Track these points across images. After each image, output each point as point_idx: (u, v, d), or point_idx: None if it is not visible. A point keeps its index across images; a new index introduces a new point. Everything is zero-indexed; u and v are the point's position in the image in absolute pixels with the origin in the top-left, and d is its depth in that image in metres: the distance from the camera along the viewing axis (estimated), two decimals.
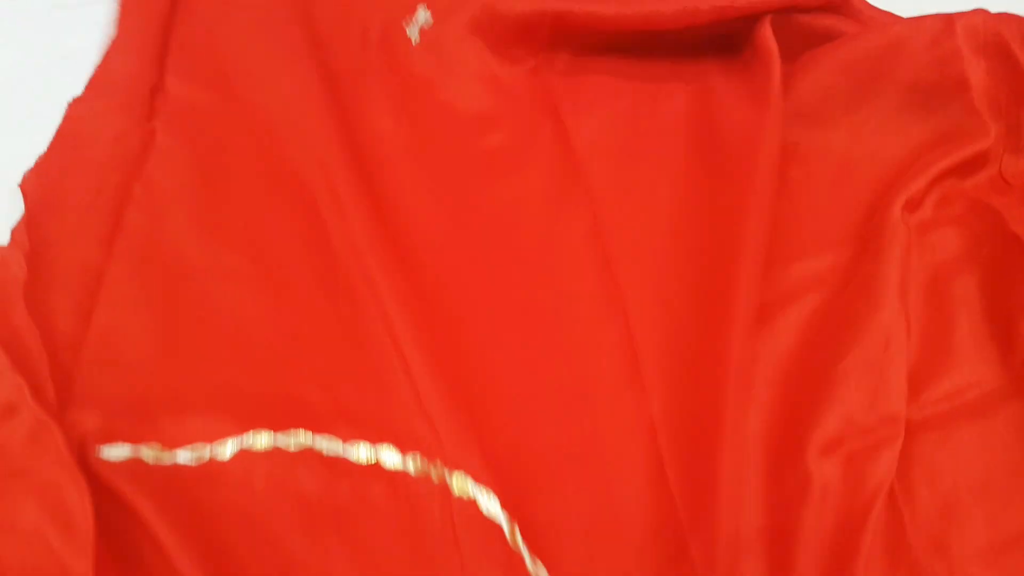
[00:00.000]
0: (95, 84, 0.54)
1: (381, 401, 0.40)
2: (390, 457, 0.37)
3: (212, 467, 0.36)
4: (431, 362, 0.41)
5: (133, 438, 0.36)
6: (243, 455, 0.36)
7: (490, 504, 0.36)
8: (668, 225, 0.49)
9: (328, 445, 0.37)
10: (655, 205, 0.50)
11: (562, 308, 0.45)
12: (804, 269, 0.45)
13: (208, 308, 0.42)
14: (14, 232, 0.45)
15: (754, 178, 0.46)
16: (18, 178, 0.48)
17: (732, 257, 0.44)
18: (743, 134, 0.50)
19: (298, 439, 0.37)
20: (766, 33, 0.52)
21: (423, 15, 0.61)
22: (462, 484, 0.37)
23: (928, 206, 0.48)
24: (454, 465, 0.37)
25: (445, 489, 0.37)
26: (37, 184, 0.46)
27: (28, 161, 0.50)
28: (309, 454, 0.37)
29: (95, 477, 0.34)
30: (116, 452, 0.35)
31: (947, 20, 0.50)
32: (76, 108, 0.51)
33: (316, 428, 0.37)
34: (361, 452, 0.37)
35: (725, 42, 0.58)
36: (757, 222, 0.44)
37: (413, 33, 0.60)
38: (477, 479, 0.37)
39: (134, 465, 0.35)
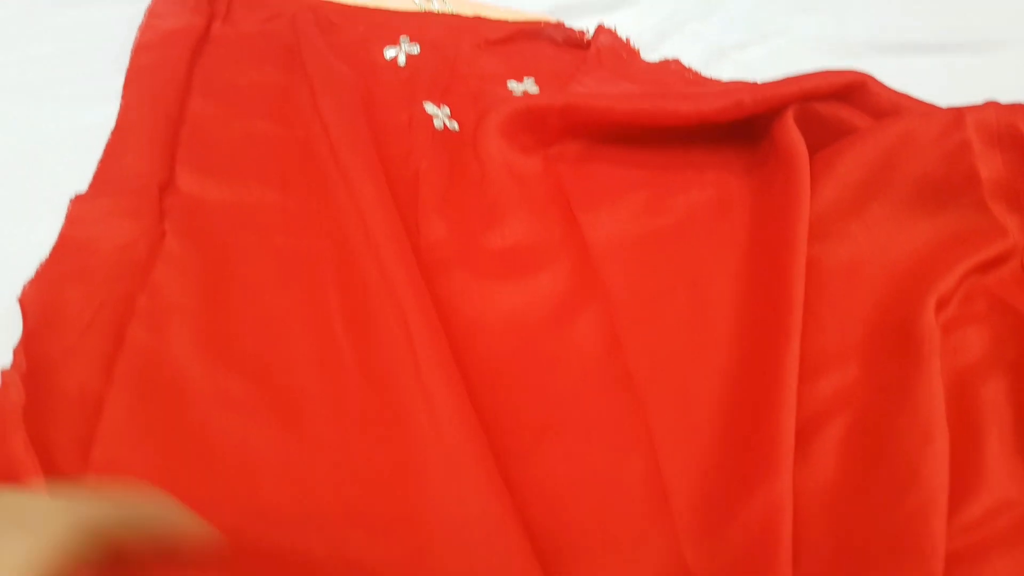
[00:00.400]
0: (100, 181, 0.53)
1: (392, 553, 0.38)
2: None
3: None
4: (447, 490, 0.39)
5: None
6: None
7: None
8: (690, 338, 0.48)
9: None
10: (674, 315, 0.49)
11: (581, 431, 0.44)
12: (830, 385, 0.44)
13: (212, 444, 0.41)
14: (14, 352, 0.44)
15: (789, 296, 0.45)
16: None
17: (770, 381, 0.42)
18: (771, 244, 0.49)
19: None
20: (792, 136, 0.52)
21: (444, 110, 0.61)
22: None
23: (953, 304, 0.47)
24: None
25: None
26: (37, 297, 0.45)
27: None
28: None
29: None
30: None
31: (957, 114, 0.50)
32: (79, 208, 0.50)
33: None
34: None
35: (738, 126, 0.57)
36: (795, 343, 0.43)
37: (438, 123, 0.60)
38: None
39: None
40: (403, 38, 0.66)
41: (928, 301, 0.44)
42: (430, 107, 0.60)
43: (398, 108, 0.60)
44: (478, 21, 0.70)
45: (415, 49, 0.65)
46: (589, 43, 0.68)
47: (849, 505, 0.39)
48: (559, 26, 0.70)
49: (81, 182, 0.58)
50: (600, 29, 0.69)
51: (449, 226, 0.53)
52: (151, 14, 0.65)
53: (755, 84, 0.54)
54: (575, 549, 0.39)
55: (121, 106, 0.59)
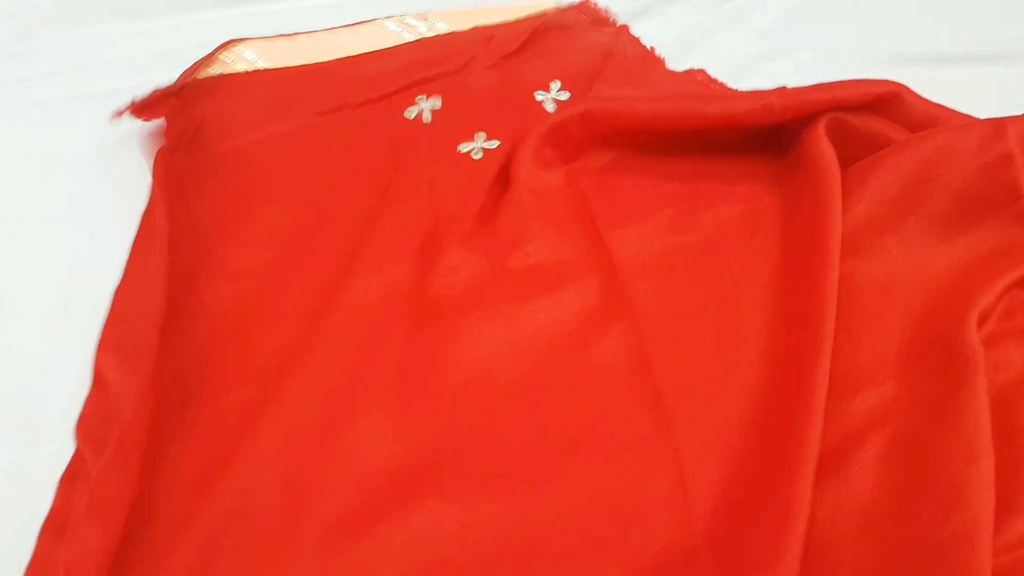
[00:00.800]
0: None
1: None
2: None
3: None
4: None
5: None
6: None
7: None
8: (720, 357, 0.46)
9: None
10: (705, 334, 0.47)
11: (607, 450, 0.43)
12: (867, 402, 0.42)
13: None
14: None
15: (821, 310, 0.43)
16: None
17: (799, 393, 0.41)
18: (803, 260, 0.48)
19: None
20: (822, 147, 0.50)
21: (480, 136, 0.60)
22: None
23: (993, 320, 0.46)
24: None
25: None
26: None
27: None
28: None
29: None
30: None
31: (997, 125, 0.48)
32: None
33: None
34: None
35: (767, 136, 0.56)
36: (825, 356, 0.42)
37: (476, 154, 0.59)
38: None
39: None
40: (419, 98, 0.64)
41: (970, 317, 0.43)
42: (464, 146, 0.59)
43: (429, 159, 0.59)
44: (486, 39, 0.68)
45: (437, 103, 0.64)
46: (615, 36, 0.66)
47: (890, 525, 0.38)
48: (584, 6, 0.69)
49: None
50: (625, 31, 0.68)
51: (472, 249, 0.52)
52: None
53: (785, 89, 0.53)
54: (594, 569, 0.39)
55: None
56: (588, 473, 0.42)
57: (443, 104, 0.63)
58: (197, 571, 0.39)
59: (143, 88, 0.67)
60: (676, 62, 0.68)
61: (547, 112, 0.59)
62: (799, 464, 0.39)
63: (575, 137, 0.56)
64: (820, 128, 0.51)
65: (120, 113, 0.61)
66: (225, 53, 0.69)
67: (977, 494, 0.37)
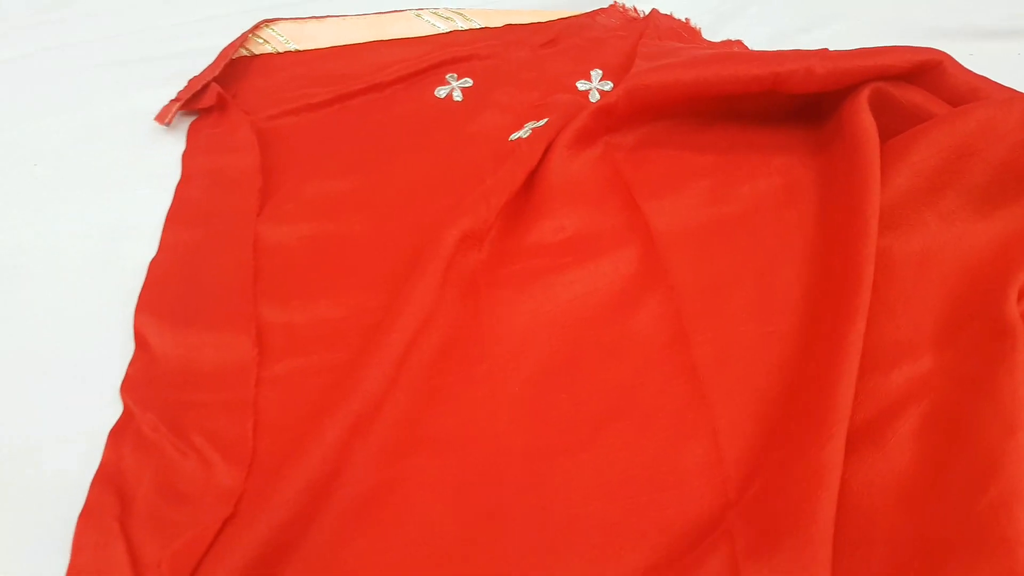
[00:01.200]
0: None
1: None
2: None
3: None
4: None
5: None
6: None
7: None
8: (756, 328, 0.47)
9: None
10: (741, 306, 0.48)
11: (641, 419, 0.43)
12: (903, 376, 0.43)
13: None
14: None
15: (857, 278, 0.43)
16: None
17: (831, 358, 0.41)
18: (840, 233, 0.47)
19: None
20: (862, 117, 0.50)
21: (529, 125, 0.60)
22: None
23: None
24: None
25: None
26: None
27: None
28: None
29: None
30: None
31: None
32: None
33: None
34: None
35: (803, 104, 0.56)
36: (859, 329, 0.41)
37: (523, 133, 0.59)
38: None
39: None
40: (449, 76, 0.65)
41: (1010, 291, 0.43)
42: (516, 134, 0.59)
43: (466, 140, 0.59)
44: (519, 30, 0.68)
45: (468, 83, 0.64)
46: (646, 19, 0.66)
47: (927, 497, 0.38)
48: (612, 11, 0.69)
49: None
50: (655, 13, 0.67)
51: (508, 224, 0.53)
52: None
53: (827, 52, 0.52)
54: (632, 534, 0.40)
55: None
56: (624, 442, 0.43)
57: (474, 84, 0.64)
58: None
59: (176, 56, 0.68)
60: (712, 33, 0.67)
61: (591, 102, 0.59)
62: (829, 427, 0.39)
63: (619, 114, 0.56)
64: (863, 99, 0.51)
65: (171, 116, 0.62)
66: (257, 34, 0.70)
67: (1014, 466, 0.37)
